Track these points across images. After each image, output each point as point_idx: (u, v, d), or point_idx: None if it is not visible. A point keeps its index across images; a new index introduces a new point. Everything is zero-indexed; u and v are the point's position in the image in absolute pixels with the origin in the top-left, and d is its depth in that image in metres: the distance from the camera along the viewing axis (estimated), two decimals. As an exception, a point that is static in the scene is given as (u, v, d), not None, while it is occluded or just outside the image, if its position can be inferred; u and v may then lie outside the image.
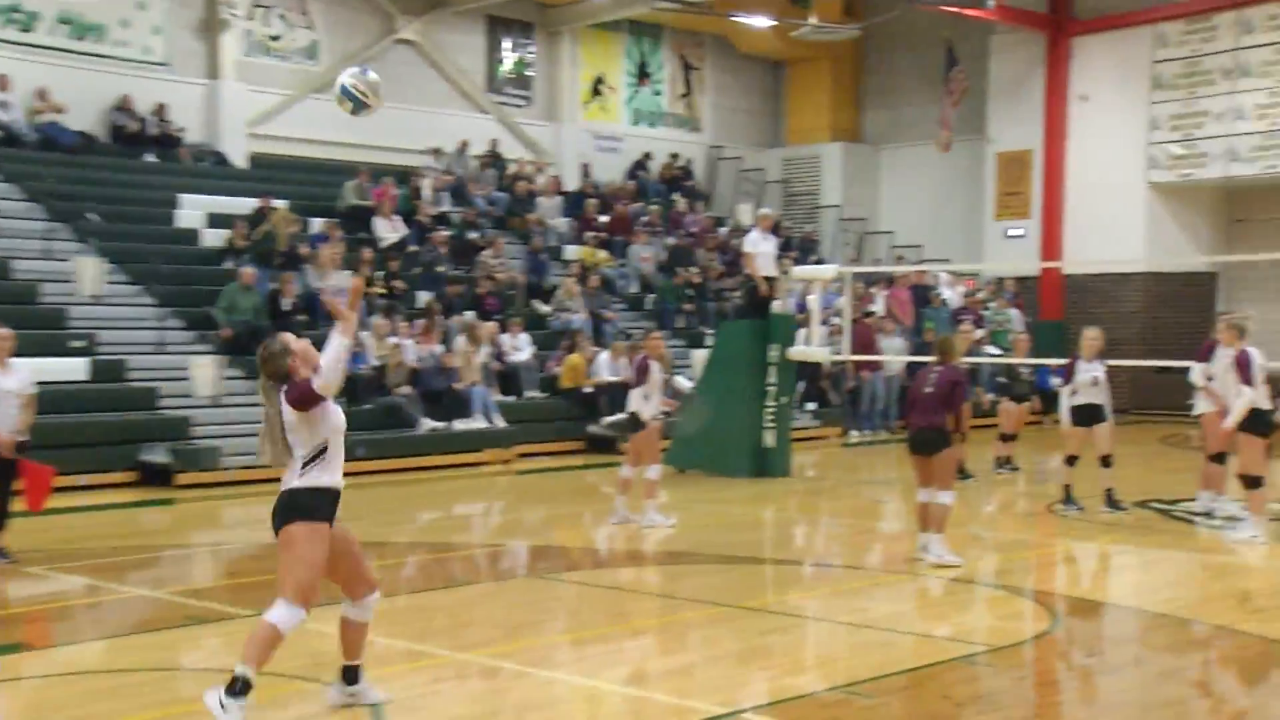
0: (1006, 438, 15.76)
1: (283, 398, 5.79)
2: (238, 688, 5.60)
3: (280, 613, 5.73)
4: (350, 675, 6.12)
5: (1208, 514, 11.97)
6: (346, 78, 6.39)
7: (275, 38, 22.66)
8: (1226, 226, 25.49)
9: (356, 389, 16.07)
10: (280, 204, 19.58)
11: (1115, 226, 24.44)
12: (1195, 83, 23.79)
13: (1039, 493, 14.29)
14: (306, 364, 5.83)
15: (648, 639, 7.86)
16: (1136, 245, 24.16)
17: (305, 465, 5.81)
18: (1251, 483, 10.86)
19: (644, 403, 11.74)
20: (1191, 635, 7.96)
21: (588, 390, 18.41)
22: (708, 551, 10.73)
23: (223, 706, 5.56)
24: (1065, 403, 12.47)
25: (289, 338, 5.93)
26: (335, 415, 5.85)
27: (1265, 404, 10.92)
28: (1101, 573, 10.49)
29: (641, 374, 11.77)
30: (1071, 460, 12.50)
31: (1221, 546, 10.81)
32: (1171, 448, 18.91)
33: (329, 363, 5.63)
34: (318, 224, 19.94)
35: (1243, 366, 10.81)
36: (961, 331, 19.46)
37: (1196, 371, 11.96)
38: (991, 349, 21.79)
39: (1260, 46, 23.02)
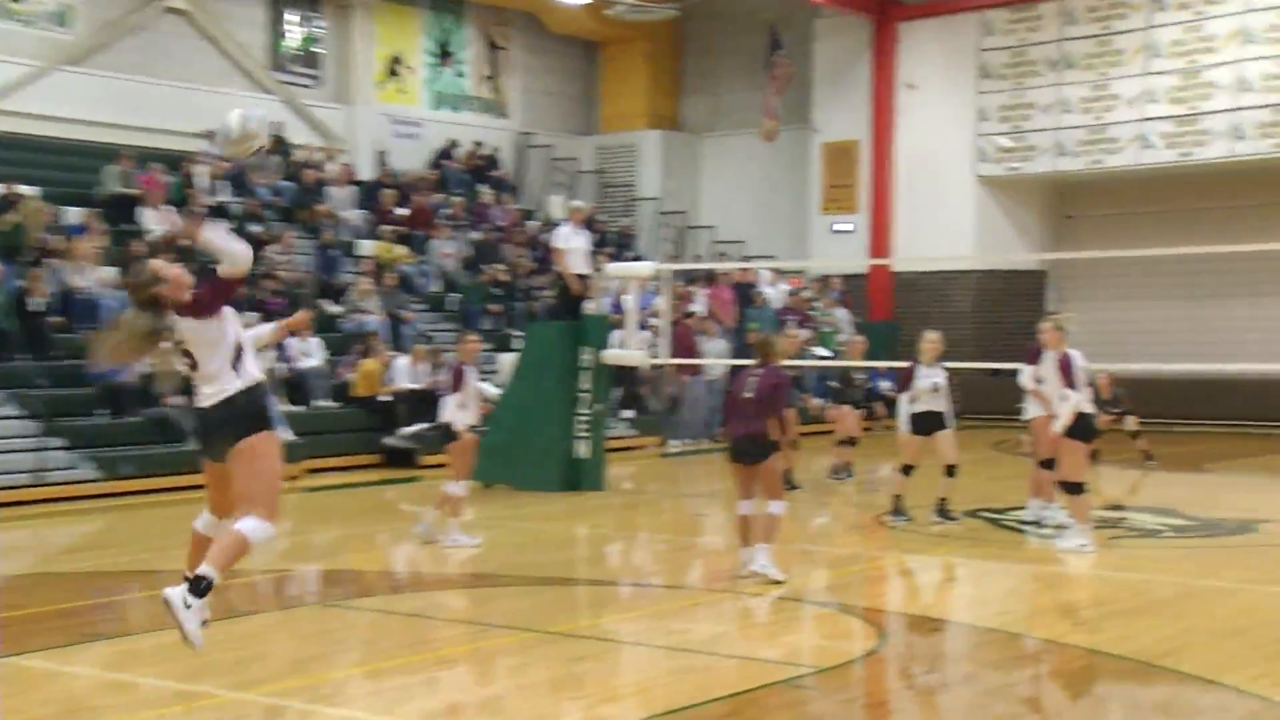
0: (844, 444, 16.15)
1: (186, 322, 6.02)
2: (201, 587, 5.98)
3: (252, 525, 5.98)
4: (198, 587, 6.05)
5: (1037, 523, 12.50)
6: (224, 152, 6.61)
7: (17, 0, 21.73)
8: (1056, 223, 26.65)
9: (121, 400, 15.54)
10: (29, 190, 18.80)
11: (945, 221, 25.29)
12: (1022, 73, 24.84)
13: (870, 503, 14.70)
14: (179, 289, 6.04)
15: (451, 669, 7.81)
16: (967, 241, 25.04)
17: (234, 366, 6.07)
18: (1073, 489, 11.32)
19: (459, 412, 11.67)
20: (1021, 650, 8.31)
21: (384, 399, 18.20)
22: (516, 572, 10.73)
23: (186, 604, 5.95)
24: (904, 410, 12.83)
25: (159, 264, 6.13)
26: (232, 314, 6.13)
27: (1088, 408, 11.44)
28: (932, 587, 10.87)
29: (457, 380, 11.71)
30: (907, 470, 12.81)
31: (1051, 556, 11.30)
32: (1003, 453, 19.69)
33: (222, 247, 5.89)
34: (74, 214, 19.22)
35: (1065, 369, 11.30)
36: (787, 333, 19.92)
37: (1025, 374, 12.43)
38: (820, 350, 22.33)
39: (1083, 39, 24.19)
